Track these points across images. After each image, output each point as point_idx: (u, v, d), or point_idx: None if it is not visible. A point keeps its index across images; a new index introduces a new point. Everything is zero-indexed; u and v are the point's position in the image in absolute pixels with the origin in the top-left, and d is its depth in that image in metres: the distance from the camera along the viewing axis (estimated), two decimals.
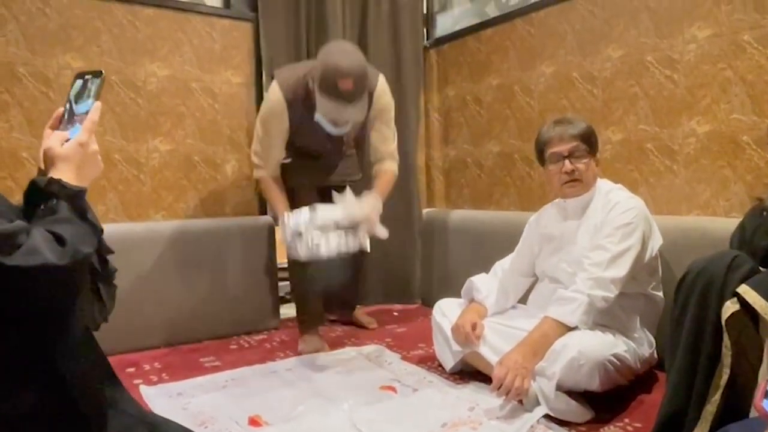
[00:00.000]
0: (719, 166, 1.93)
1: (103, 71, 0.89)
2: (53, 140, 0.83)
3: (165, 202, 2.49)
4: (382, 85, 2.16)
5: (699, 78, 1.97)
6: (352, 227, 1.86)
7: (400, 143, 2.93)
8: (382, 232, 1.94)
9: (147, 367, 2.05)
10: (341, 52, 1.94)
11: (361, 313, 2.69)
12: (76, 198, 0.79)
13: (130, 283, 2.23)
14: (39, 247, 0.69)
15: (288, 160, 2.19)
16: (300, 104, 2.03)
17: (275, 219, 2.47)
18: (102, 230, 0.84)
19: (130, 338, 2.18)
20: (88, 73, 0.89)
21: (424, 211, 3.09)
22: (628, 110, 2.19)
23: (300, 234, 1.83)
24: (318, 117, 1.98)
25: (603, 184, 1.80)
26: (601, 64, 2.28)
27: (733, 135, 1.89)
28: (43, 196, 0.79)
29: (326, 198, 2.24)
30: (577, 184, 1.75)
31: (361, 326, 2.59)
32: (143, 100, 2.42)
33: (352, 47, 2.05)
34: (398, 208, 2.96)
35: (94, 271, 0.85)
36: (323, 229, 1.83)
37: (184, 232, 2.38)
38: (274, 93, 2.06)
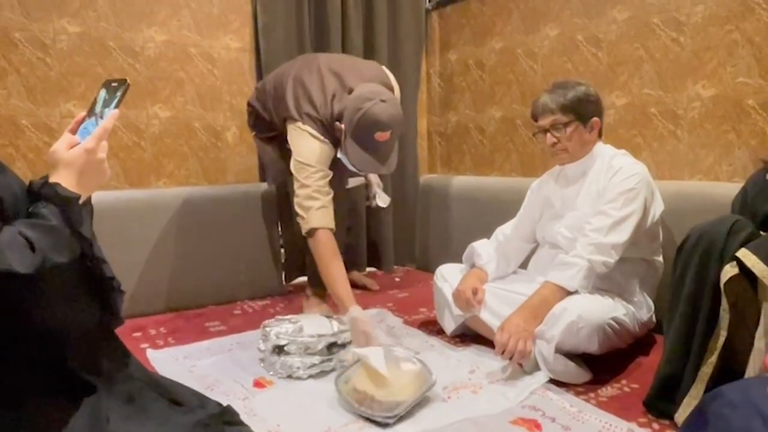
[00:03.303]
0: (723, 131, 1.91)
1: (128, 80, 0.90)
2: (60, 143, 0.83)
3: (166, 169, 2.49)
4: (398, 93, 2.09)
5: (706, 40, 1.93)
6: (342, 344, 1.66)
7: (403, 107, 2.90)
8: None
9: (153, 331, 2.08)
10: (379, 102, 1.78)
11: (362, 275, 2.73)
12: (68, 204, 0.77)
13: (134, 250, 2.25)
14: (2, 249, 0.68)
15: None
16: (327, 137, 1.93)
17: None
18: (92, 241, 0.82)
19: (135, 304, 2.21)
20: (114, 81, 0.90)
21: (425, 176, 3.09)
22: (633, 74, 2.16)
23: (280, 349, 1.62)
24: (342, 157, 1.87)
25: (606, 150, 1.79)
26: (606, 27, 2.23)
27: (739, 99, 1.87)
28: (37, 198, 0.78)
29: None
30: (562, 153, 1.76)
31: (363, 288, 2.63)
32: (141, 65, 2.39)
33: (384, 90, 1.88)
34: (397, 173, 2.95)
35: (93, 279, 0.84)
36: (308, 350, 1.62)
37: (187, 199, 2.38)
38: (312, 133, 1.90)
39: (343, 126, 1.83)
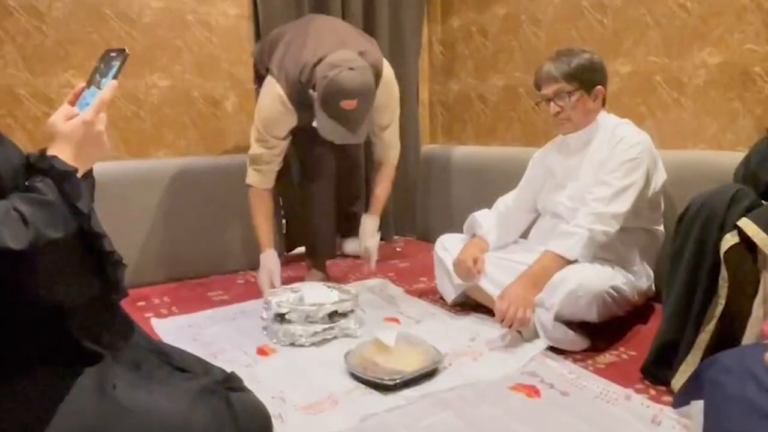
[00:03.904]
0: (728, 99, 1.89)
1: (127, 50, 0.88)
2: (58, 115, 0.80)
3: (166, 139, 2.47)
4: (387, 75, 2.02)
5: (713, 5, 1.89)
6: (343, 313, 1.70)
7: (403, 76, 2.88)
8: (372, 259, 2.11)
9: (157, 301, 2.11)
10: (347, 70, 1.73)
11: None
12: (64, 178, 0.75)
13: (135, 221, 2.26)
14: None
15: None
16: (298, 105, 1.91)
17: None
18: (89, 216, 0.80)
19: (138, 274, 2.22)
20: (113, 50, 0.88)
21: (426, 146, 3.07)
22: (638, 41, 2.12)
23: (282, 317, 1.66)
24: (316, 126, 1.83)
25: (609, 119, 1.77)
26: None
27: (745, 66, 1.84)
28: (34, 171, 0.76)
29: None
30: (566, 122, 1.74)
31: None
32: (138, 33, 2.35)
33: (357, 58, 1.82)
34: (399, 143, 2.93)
35: (91, 254, 0.83)
36: (309, 318, 1.65)
37: (188, 169, 2.38)
38: (277, 95, 1.90)
39: (316, 99, 1.79)
